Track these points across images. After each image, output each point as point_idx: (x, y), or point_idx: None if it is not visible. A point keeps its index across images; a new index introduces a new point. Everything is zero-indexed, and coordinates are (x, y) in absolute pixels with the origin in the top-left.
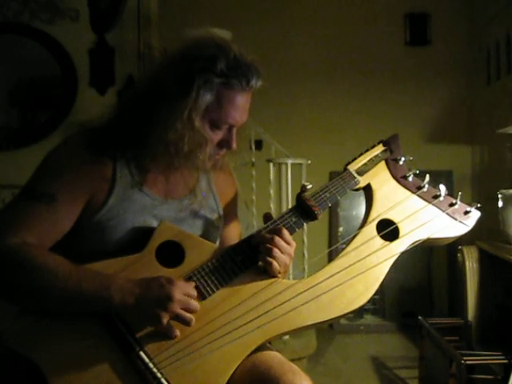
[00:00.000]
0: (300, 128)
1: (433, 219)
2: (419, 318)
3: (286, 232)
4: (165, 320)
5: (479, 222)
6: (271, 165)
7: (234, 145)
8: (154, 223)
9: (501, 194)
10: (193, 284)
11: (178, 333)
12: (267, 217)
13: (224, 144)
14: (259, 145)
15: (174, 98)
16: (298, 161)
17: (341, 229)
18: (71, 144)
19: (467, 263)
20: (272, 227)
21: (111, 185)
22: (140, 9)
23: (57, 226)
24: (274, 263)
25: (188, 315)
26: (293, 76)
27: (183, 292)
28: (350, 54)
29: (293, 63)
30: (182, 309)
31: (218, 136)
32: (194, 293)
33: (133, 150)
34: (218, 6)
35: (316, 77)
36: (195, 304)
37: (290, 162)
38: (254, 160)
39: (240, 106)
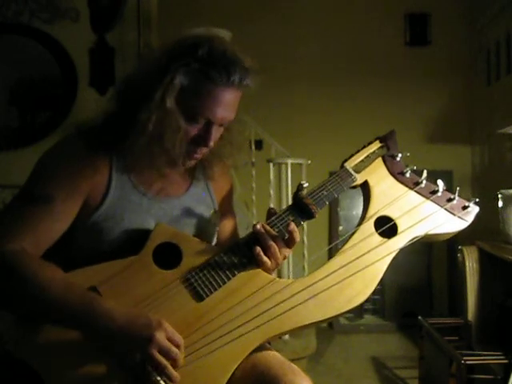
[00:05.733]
0: (300, 128)
1: (431, 215)
2: (419, 317)
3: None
4: (137, 359)
5: (479, 221)
6: (271, 165)
7: (211, 143)
8: (151, 222)
9: (501, 194)
10: (177, 334)
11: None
12: (271, 213)
13: (199, 140)
14: (259, 145)
15: (153, 82)
16: (298, 161)
17: (340, 228)
18: (67, 144)
19: (467, 263)
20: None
21: (108, 185)
22: (140, 9)
23: (54, 225)
24: (268, 262)
25: (163, 362)
26: (293, 76)
27: (168, 337)
28: (350, 54)
29: (293, 63)
30: (160, 353)
31: (193, 129)
32: (178, 341)
33: (125, 146)
34: (218, 6)
35: (316, 77)
36: (175, 351)
37: (289, 161)
38: (254, 160)
39: (219, 100)
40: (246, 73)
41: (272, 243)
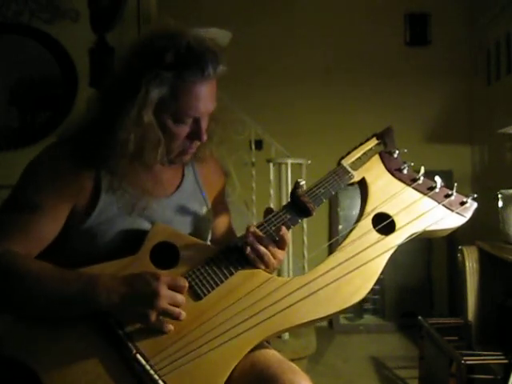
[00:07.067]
0: (300, 128)
1: (429, 211)
2: (419, 317)
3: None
4: (152, 317)
5: (479, 221)
6: (271, 165)
7: (204, 136)
8: (145, 223)
9: (501, 193)
10: (179, 276)
11: (171, 327)
12: (268, 211)
13: (193, 136)
14: (259, 145)
15: (127, 96)
16: (298, 161)
17: (340, 227)
18: (53, 152)
19: (467, 263)
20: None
21: (97, 190)
22: (140, 9)
23: (42, 234)
24: (263, 267)
25: (176, 310)
26: (293, 76)
27: (170, 286)
28: (350, 54)
29: (293, 63)
30: (169, 304)
31: (184, 129)
32: (183, 284)
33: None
34: (218, 6)
35: (316, 77)
36: (181, 297)
37: (289, 161)
38: (254, 160)
39: (200, 96)
40: (216, 59)
41: (265, 252)
